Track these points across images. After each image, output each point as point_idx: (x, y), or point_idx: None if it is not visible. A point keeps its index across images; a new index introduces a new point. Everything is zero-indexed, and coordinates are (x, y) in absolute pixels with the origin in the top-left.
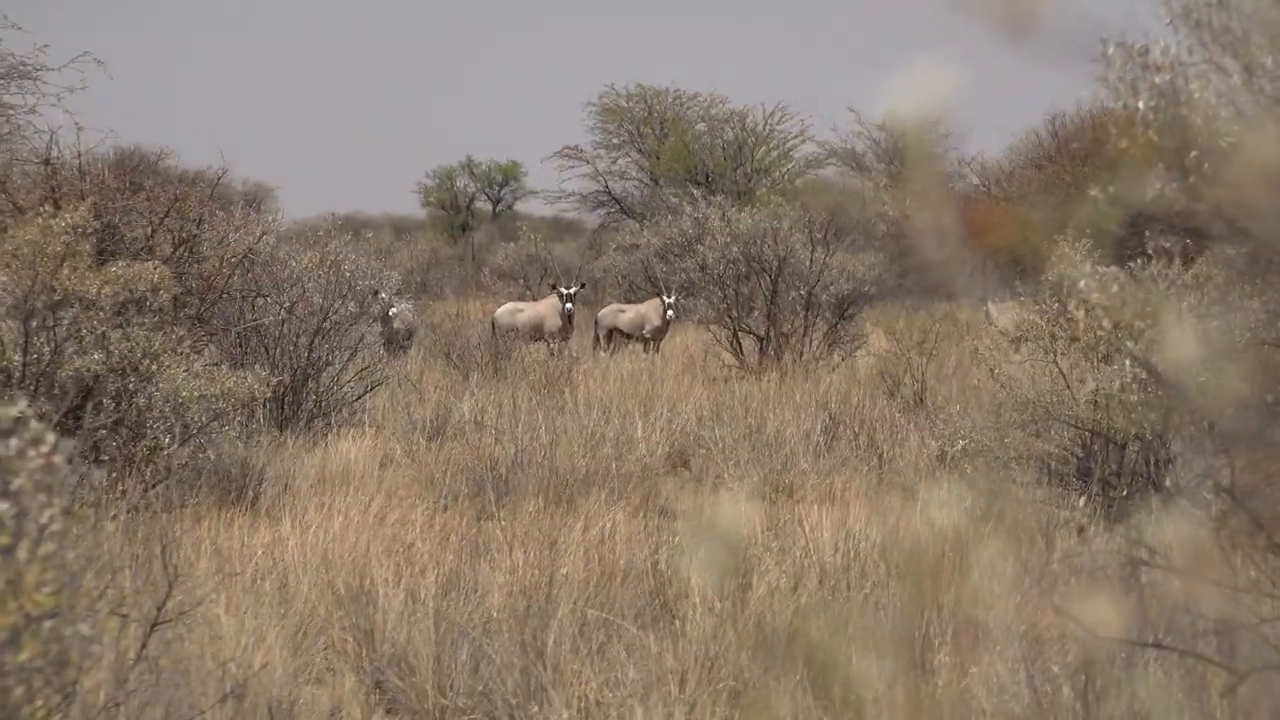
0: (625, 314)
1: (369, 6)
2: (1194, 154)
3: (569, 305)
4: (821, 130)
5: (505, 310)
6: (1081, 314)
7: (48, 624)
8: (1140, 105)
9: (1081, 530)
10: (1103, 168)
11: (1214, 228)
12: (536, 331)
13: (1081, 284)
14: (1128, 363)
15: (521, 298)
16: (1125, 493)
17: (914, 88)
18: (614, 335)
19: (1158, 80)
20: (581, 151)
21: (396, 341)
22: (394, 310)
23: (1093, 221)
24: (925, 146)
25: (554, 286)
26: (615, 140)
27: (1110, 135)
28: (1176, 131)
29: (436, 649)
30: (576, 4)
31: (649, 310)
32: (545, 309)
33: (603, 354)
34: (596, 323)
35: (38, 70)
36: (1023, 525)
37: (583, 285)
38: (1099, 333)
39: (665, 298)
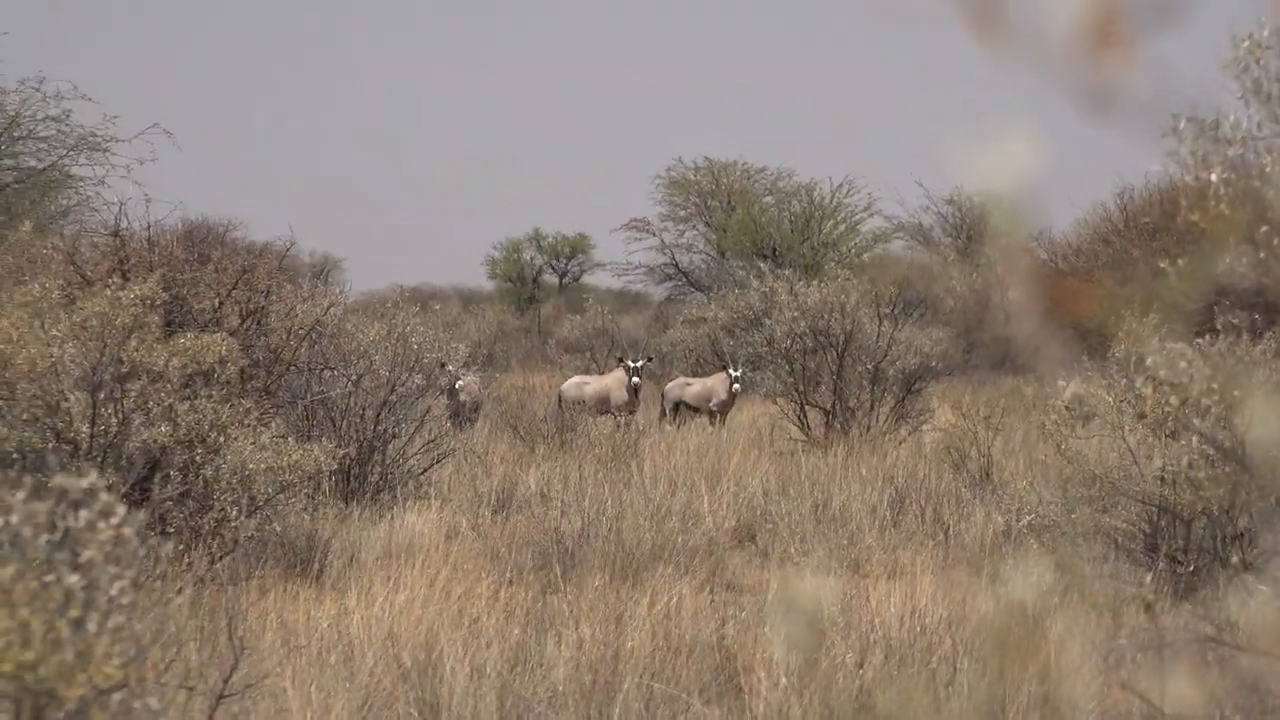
0: (691, 387)
1: (438, 81)
2: (1265, 228)
3: (635, 379)
4: (889, 204)
5: (572, 383)
6: (1149, 390)
7: (116, 696)
8: (1212, 178)
9: (1149, 607)
10: (1173, 242)
11: None
12: (603, 405)
13: (1149, 360)
14: (1195, 439)
15: (588, 371)
16: (1192, 569)
17: (1003, 161)
18: (680, 408)
19: (1229, 154)
20: (649, 224)
21: (463, 414)
22: (460, 383)
23: (1161, 296)
24: (1015, 221)
25: (620, 360)
26: (682, 213)
27: (1181, 209)
28: (1248, 205)
29: None
30: (645, 78)
31: (715, 384)
32: (612, 382)
33: (669, 427)
34: (663, 396)
35: (107, 142)
36: (1091, 601)
37: (649, 359)
38: (1166, 409)
39: (731, 371)
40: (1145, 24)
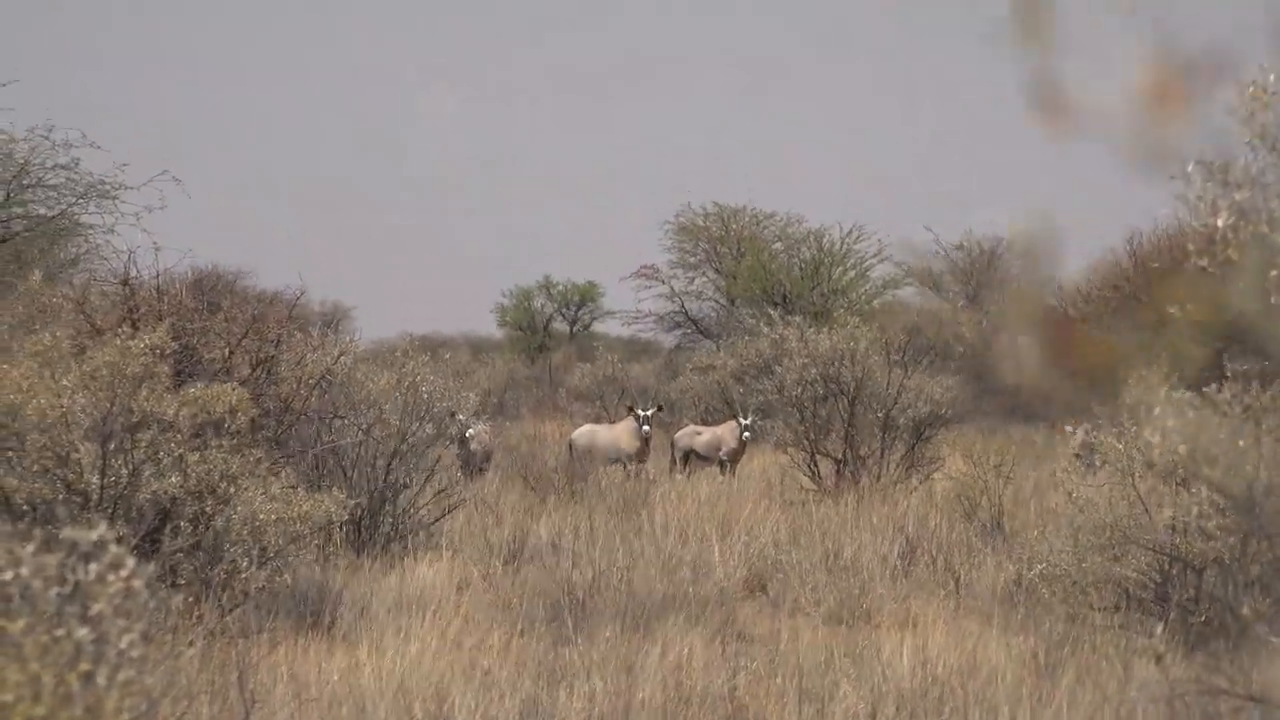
0: (701, 436)
1: (446, 126)
2: (1275, 273)
3: (646, 427)
4: (899, 250)
5: (583, 432)
6: (1158, 439)
7: None
8: (1219, 223)
9: (1160, 658)
10: (1181, 287)
11: None
12: (614, 453)
13: (1158, 410)
14: (1204, 488)
15: (599, 419)
16: (1204, 619)
17: (1025, 218)
18: (691, 457)
19: (1238, 198)
20: (658, 271)
21: (474, 464)
22: (471, 432)
23: (1170, 344)
24: (1036, 276)
25: (630, 408)
26: (692, 259)
27: (1189, 254)
28: (1256, 250)
29: None
30: (653, 124)
31: (725, 433)
32: (622, 431)
33: (679, 476)
34: (673, 444)
35: (116, 189)
36: (1102, 651)
37: (659, 408)
38: (1175, 457)
39: (741, 419)
40: (1200, 84)
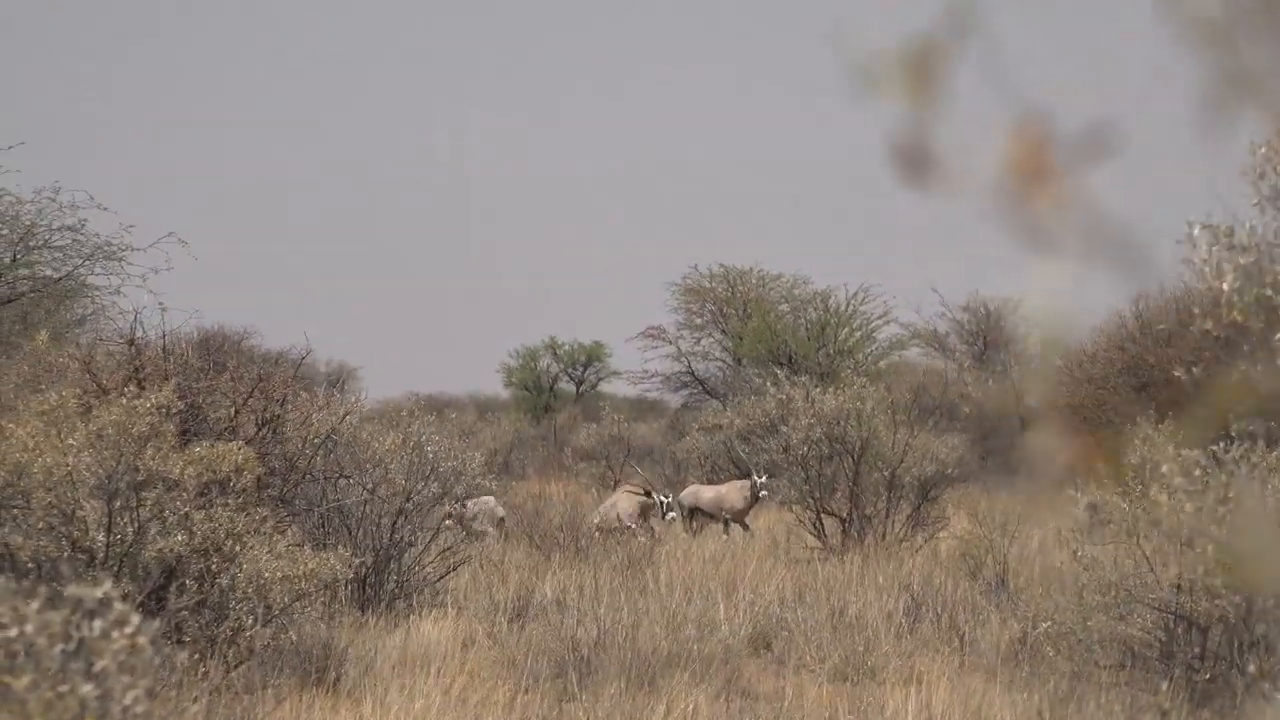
0: (706, 494)
1: (450, 189)
2: (1279, 336)
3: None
4: (905, 311)
5: (689, 491)
6: (1165, 498)
7: None
8: (1224, 286)
9: (1165, 715)
10: (1188, 349)
11: None
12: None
13: (1164, 468)
14: (1210, 547)
15: (602, 478)
16: (1209, 677)
17: (1042, 292)
18: (695, 514)
19: (1243, 261)
20: (664, 332)
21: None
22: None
23: (1177, 404)
24: (1055, 351)
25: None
26: (698, 320)
27: (1194, 317)
28: (1261, 313)
29: None
30: (659, 186)
31: (729, 491)
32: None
33: (685, 534)
34: (678, 503)
35: (123, 251)
36: (1107, 710)
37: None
38: (1182, 516)
39: (756, 477)
40: (1075, 157)
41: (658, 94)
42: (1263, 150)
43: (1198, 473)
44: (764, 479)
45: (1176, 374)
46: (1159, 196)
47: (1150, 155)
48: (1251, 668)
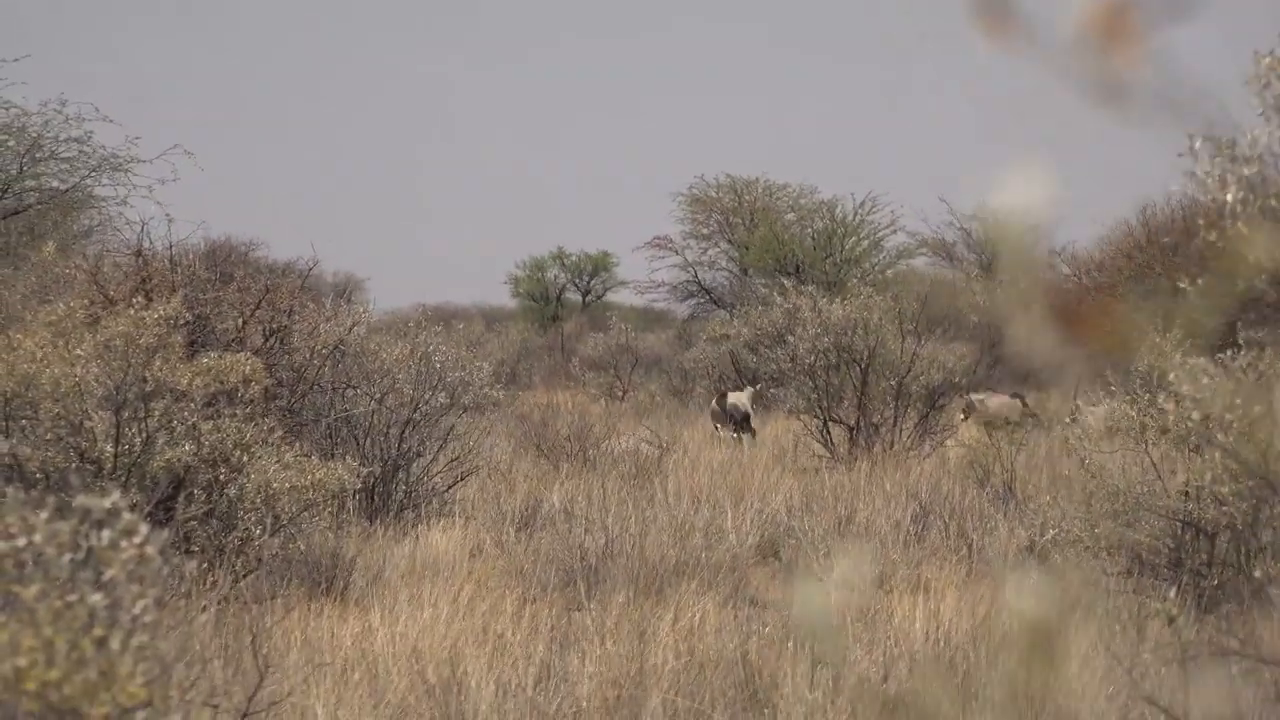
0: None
1: (457, 97)
2: None
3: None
4: (912, 220)
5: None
6: (1172, 406)
7: (140, 715)
8: (1228, 199)
9: (1172, 620)
10: (1193, 259)
11: None
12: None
13: (1172, 376)
14: (1218, 454)
15: (610, 389)
16: (1216, 583)
17: (1014, 189)
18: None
19: (1246, 173)
20: (671, 242)
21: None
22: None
23: (1183, 313)
24: (1024, 249)
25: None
26: (705, 230)
27: (1199, 228)
28: (1266, 223)
29: None
30: (666, 94)
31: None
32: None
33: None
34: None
35: (129, 163)
36: (1114, 615)
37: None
38: (1189, 424)
39: (750, 387)
40: (1155, 16)
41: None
42: (1267, 59)
43: (1205, 381)
44: (759, 387)
45: (1181, 285)
46: (1239, 57)
47: (1230, 16)
48: (1258, 573)
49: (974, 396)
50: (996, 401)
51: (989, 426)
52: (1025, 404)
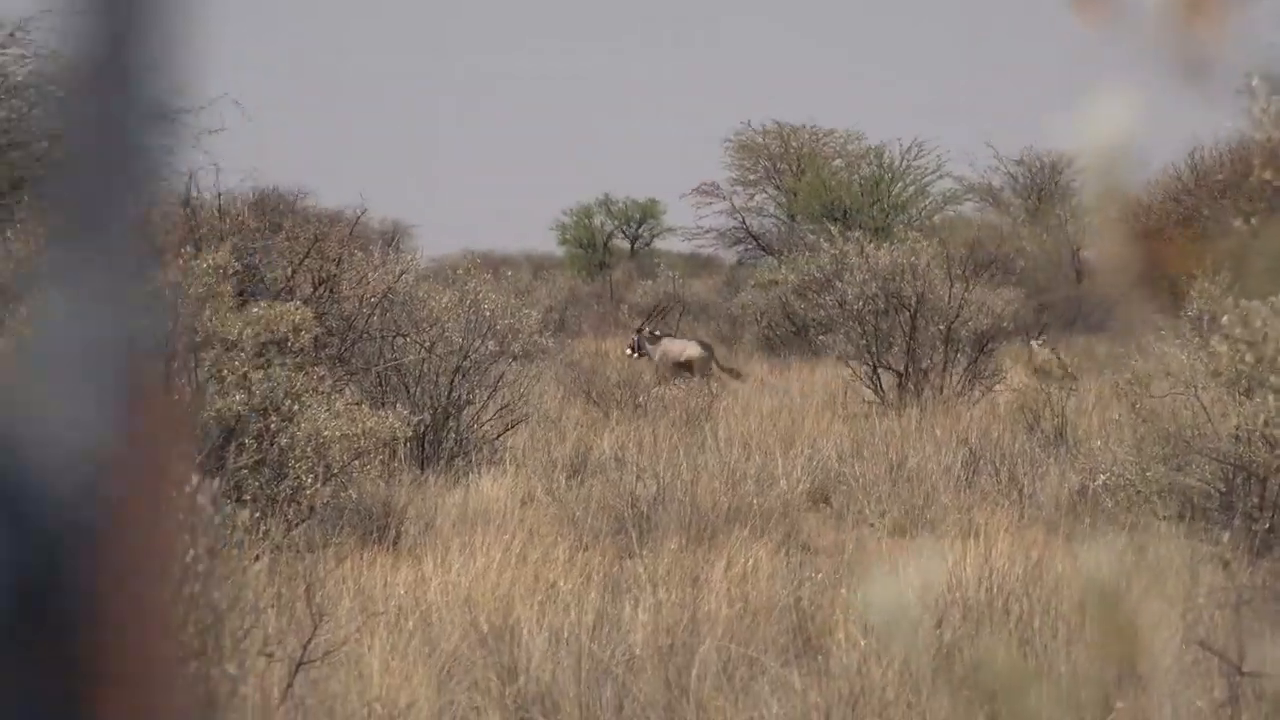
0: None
1: (504, 46)
2: None
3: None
4: (958, 166)
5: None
6: (1224, 349)
7: (194, 664)
8: None
9: (1226, 564)
10: (1244, 199)
11: None
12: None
13: (1224, 319)
14: (1270, 396)
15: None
16: (1268, 526)
17: (1100, 119)
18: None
19: None
20: (718, 188)
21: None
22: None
23: (1234, 255)
24: (1114, 178)
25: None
26: (752, 177)
27: (1253, 167)
28: None
29: (580, 687)
30: (712, 40)
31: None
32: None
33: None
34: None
35: (177, 112)
36: (1167, 560)
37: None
38: (1241, 366)
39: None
40: None
41: None
42: None
43: (1258, 323)
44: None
45: (1235, 224)
46: None
47: None
48: None
49: (657, 335)
50: (678, 346)
51: (665, 370)
52: (713, 353)
